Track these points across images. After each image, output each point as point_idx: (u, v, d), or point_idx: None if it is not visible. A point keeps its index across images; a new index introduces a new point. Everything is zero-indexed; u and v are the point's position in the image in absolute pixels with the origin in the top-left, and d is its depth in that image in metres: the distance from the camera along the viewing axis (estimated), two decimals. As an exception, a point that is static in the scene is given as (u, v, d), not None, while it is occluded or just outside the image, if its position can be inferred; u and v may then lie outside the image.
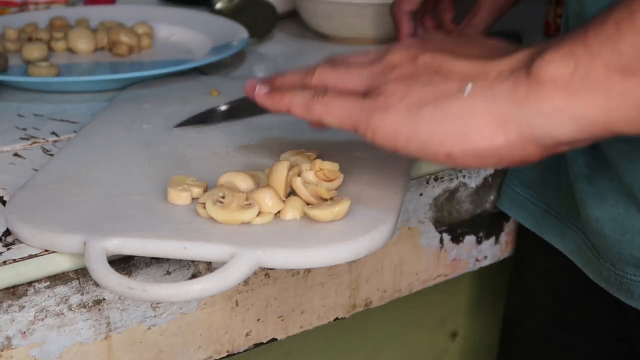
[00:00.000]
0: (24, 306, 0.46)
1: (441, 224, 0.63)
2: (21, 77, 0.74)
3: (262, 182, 0.51)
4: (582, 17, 0.54)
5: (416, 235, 0.62)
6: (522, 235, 0.69)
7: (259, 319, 0.56)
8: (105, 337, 0.50)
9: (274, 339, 0.57)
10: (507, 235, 0.69)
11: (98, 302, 0.49)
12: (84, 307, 0.48)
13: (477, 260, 0.68)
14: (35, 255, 0.47)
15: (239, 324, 0.55)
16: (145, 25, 0.87)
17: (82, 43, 0.83)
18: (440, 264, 0.65)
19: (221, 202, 0.48)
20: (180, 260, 0.50)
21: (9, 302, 0.46)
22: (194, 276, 0.51)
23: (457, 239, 0.65)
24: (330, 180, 0.51)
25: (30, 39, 0.83)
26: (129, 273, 0.49)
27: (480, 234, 0.67)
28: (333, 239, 0.46)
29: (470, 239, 0.66)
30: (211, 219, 0.48)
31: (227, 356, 0.56)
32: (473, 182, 0.64)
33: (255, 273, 0.50)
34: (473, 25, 0.78)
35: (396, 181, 0.53)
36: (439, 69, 0.45)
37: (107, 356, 0.50)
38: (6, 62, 0.76)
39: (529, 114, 0.41)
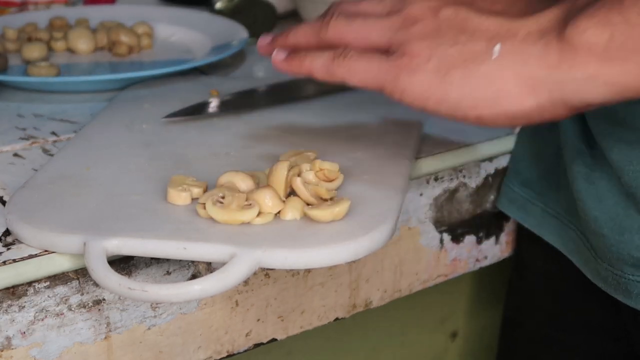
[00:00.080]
0: (24, 306, 0.46)
1: (441, 224, 0.63)
2: (21, 77, 0.74)
3: (262, 182, 0.51)
4: None
5: (416, 235, 0.62)
6: (522, 235, 0.69)
7: (259, 319, 0.56)
8: (105, 337, 0.50)
9: (274, 339, 0.57)
10: (507, 235, 0.69)
11: (98, 302, 0.49)
12: (84, 307, 0.48)
13: (477, 260, 0.68)
14: (35, 255, 0.47)
15: (239, 324, 0.55)
16: (145, 25, 0.87)
17: (82, 43, 0.83)
18: (440, 264, 0.65)
19: (221, 202, 0.48)
20: (180, 260, 0.50)
21: (9, 302, 0.46)
22: (194, 276, 0.51)
23: (457, 239, 0.65)
24: (330, 180, 0.51)
25: (30, 39, 0.83)
26: (129, 273, 0.49)
27: (480, 234, 0.67)
28: (333, 239, 0.46)
29: (470, 239, 0.66)
30: (211, 219, 0.48)
31: (227, 356, 0.56)
32: (473, 182, 0.64)
33: (255, 273, 0.50)
34: None
35: (396, 181, 0.53)
36: (464, 26, 0.44)
37: (107, 356, 0.50)
38: (6, 62, 0.76)
39: (562, 79, 0.41)
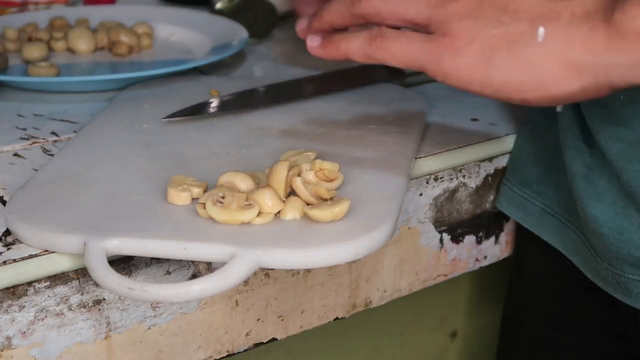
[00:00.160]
0: (24, 306, 0.46)
1: (441, 224, 0.63)
2: (21, 77, 0.74)
3: (262, 182, 0.51)
4: None
5: (416, 235, 0.62)
6: (522, 235, 0.69)
7: (259, 319, 0.56)
8: (105, 337, 0.50)
9: (274, 339, 0.57)
10: (506, 235, 0.69)
11: (98, 302, 0.49)
12: (84, 307, 0.48)
13: (477, 260, 0.68)
14: (35, 255, 0.47)
15: (239, 324, 0.55)
16: (145, 25, 0.87)
17: (82, 43, 0.83)
18: (440, 264, 0.65)
19: (221, 202, 0.48)
20: (180, 260, 0.50)
21: (9, 302, 0.46)
22: (194, 276, 0.51)
23: (457, 239, 0.65)
24: (330, 180, 0.51)
25: (30, 39, 0.83)
26: (129, 273, 0.49)
27: (480, 234, 0.67)
28: (333, 239, 0.46)
29: (470, 239, 0.66)
30: (211, 219, 0.48)
31: (227, 356, 0.56)
32: (473, 182, 0.64)
33: (255, 273, 0.50)
34: None
35: (396, 181, 0.53)
36: (505, 5, 0.44)
37: (107, 356, 0.50)
38: (6, 62, 0.76)
39: (608, 63, 0.41)
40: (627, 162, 0.52)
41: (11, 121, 0.67)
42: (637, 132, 0.52)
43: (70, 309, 0.48)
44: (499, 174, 0.65)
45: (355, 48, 0.48)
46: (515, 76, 0.43)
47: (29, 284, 0.46)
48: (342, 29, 0.51)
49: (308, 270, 0.57)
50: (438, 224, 0.63)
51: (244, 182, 0.50)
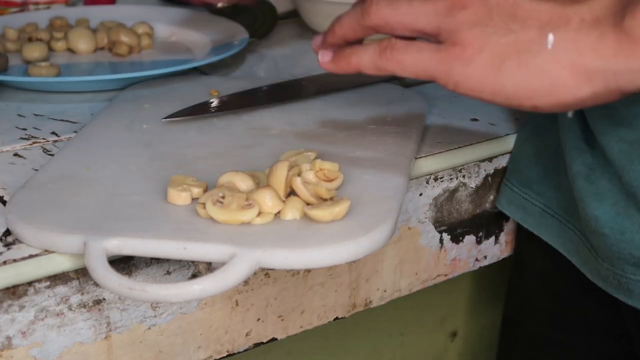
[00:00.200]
0: (24, 306, 0.46)
1: (441, 224, 0.63)
2: (21, 77, 0.74)
3: (262, 182, 0.51)
4: None
5: (416, 235, 0.62)
6: (522, 235, 0.69)
7: (259, 319, 0.56)
8: (105, 337, 0.50)
9: (274, 339, 0.57)
10: (506, 235, 0.69)
11: (98, 302, 0.49)
12: (84, 307, 0.48)
13: (476, 260, 0.68)
14: (35, 255, 0.47)
15: (239, 324, 0.55)
16: (145, 25, 0.87)
17: (82, 43, 0.83)
18: (440, 264, 0.65)
19: (221, 202, 0.48)
20: (180, 260, 0.50)
21: (9, 302, 0.46)
22: (194, 276, 0.51)
23: (457, 239, 0.65)
24: (330, 180, 0.51)
25: (30, 39, 0.83)
26: (129, 273, 0.49)
27: (480, 234, 0.67)
28: (333, 239, 0.46)
29: (470, 238, 0.66)
30: (211, 219, 0.48)
31: (227, 356, 0.56)
32: (473, 182, 0.64)
33: (255, 273, 0.50)
34: None
35: (396, 181, 0.53)
36: (514, 12, 0.44)
37: (107, 356, 0.50)
38: (6, 62, 0.76)
39: (618, 69, 0.41)
40: (629, 162, 0.52)
41: (11, 121, 0.67)
42: (639, 132, 0.52)
43: (70, 309, 0.48)
44: (499, 174, 0.65)
45: (366, 61, 0.48)
46: (525, 83, 0.43)
47: (29, 284, 0.46)
48: (356, 43, 0.51)
49: (308, 270, 0.57)
50: (438, 224, 0.63)
51: (244, 182, 0.50)
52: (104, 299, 0.49)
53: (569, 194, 0.59)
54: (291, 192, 0.50)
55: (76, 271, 0.48)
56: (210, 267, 0.51)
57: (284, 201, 0.49)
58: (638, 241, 0.53)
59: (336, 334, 0.91)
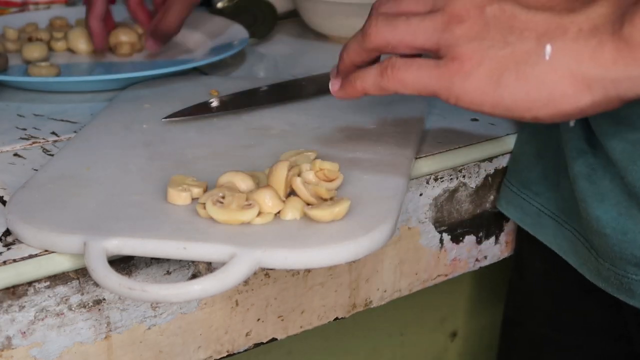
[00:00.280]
0: (24, 306, 0.46)
1: (441, 224, 0.63)
2: (21, 77, 0.74)
3: (262, 182, 0.51)
4: None
5: (416, 235, 0.62)
6: (522, 235, 0.69)
7: (259, 319, 0.56)
8: (105, 337, 0.50)
9: (274, 339, 0.57)
10: (507, 235, 0.69)
11: (98, 302, 0.49)
12: (84, 307, 0.48)
13: (477, 260, 0.68)
14: (35, 255, 0.47)
15: (239, 324, 0.55)
16: (145, 25, 0.87)
17: (82, 43, 0.83)
18: (440, 264, 0.65)
19: (221, 202, 0.48)
20: (180, 260, 0.50)
21: (9, 302, 0.46)
22: (194, 276, 0.51)
23: (457, 239, 0.65)
24: (330, 180, 0.51)
25: (30, 39, 0.83)
26: (129, 273, 0.49)
27: (480, 234, 0.67)
28: (333, 239, 0.46)
29: (470, 239, 0.66)
30: (211, 219, 0.48)
31: (227, 356, 0.56)
32: (473, 182, 0.64)
33: (255, 273, 0.50)
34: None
35: (396, 181, 0.53)
36: (511, 24, 0.44)
37: (107, 356, 0.50)
38: (6, 62, 0.76)
39: (617, 76, 0.41)
40: (631, 162, 0.52)
41: (11, 121, 0.67)
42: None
43: (70, 309, 0.48)
44: (499, 174, 0.65)
45: (369, 83, 0.49)
46: (524, 95, 0.43)
47: (29, 284, 0.46)
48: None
49: (308, 270, 0.57)
50: (438, 224, 0.63)
51: (244, 182, 0.50)
52: (104, 299, 0.49)
53: (568, 194, 0.59)
54: (291, 192, 0.50)
55: (76, 271, 0.48)
56: (210, 267, 0.51)
57: (284, 201, 0.49)
58: (640, 241, 0.53)
59: (336, 334, 0.91)
